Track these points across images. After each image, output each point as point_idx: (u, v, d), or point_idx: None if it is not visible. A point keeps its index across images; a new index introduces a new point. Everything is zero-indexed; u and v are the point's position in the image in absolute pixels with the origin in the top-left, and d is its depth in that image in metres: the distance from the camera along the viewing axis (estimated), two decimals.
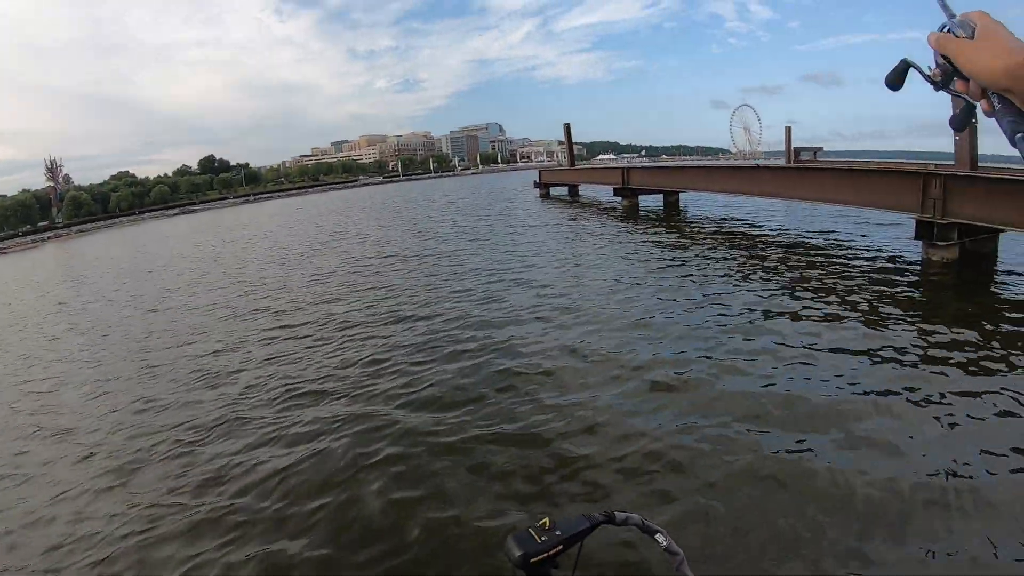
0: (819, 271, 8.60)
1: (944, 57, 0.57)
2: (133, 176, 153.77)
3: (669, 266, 9.38)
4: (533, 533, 0.83)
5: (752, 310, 6.85)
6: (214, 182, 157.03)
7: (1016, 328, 5.73)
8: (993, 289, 7.49)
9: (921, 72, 0.60)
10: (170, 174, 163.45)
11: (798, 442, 3.87)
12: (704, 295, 7.79)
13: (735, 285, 8.12)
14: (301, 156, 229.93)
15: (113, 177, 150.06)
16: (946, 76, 0.58)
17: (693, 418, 4.30)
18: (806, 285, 7.83)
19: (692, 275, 8.84)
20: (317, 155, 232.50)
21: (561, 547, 0.81)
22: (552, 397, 4.89)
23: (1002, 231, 8.76)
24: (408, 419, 4.73)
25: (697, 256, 10.13)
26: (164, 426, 5.27)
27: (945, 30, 0.58)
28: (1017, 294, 7.02)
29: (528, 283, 8.84)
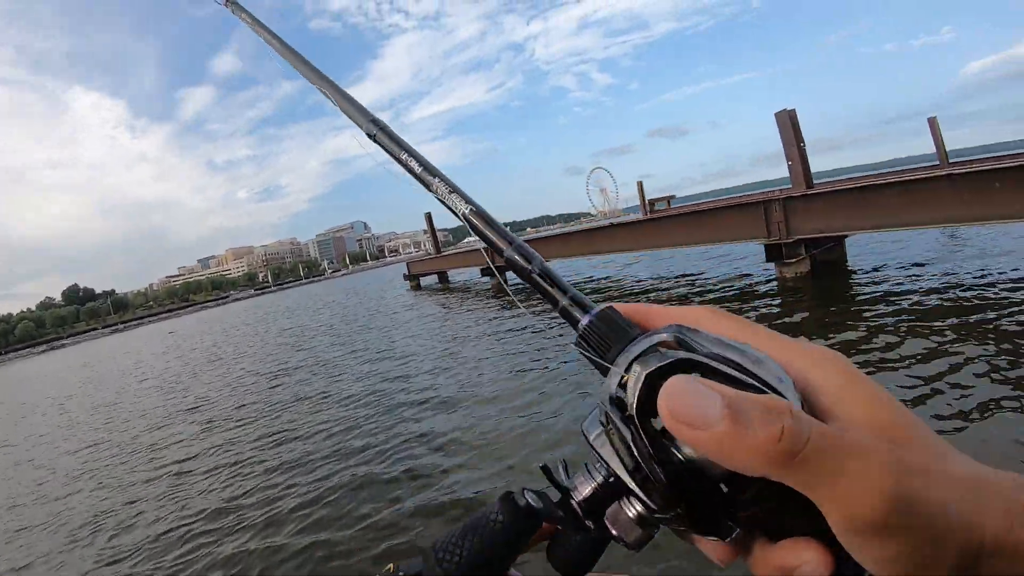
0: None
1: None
2: None
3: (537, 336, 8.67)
4: None
5: None
6: (80, 313, 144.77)
7: (876, 321, 6.02)
8: (848, 292, 7.91)
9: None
10: (34, 308, 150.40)
11: None
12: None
13: None
14: (168, 276, 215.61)
15: None
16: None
17: None
18: None
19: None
20: (184, 274, 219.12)
21: None
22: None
23: (845, 237, 9.34)
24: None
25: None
26: None
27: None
28: (869, 292, 7.50)
29: (407, 384, 7.61)
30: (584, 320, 0.36)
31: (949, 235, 11.02)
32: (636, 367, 0.30)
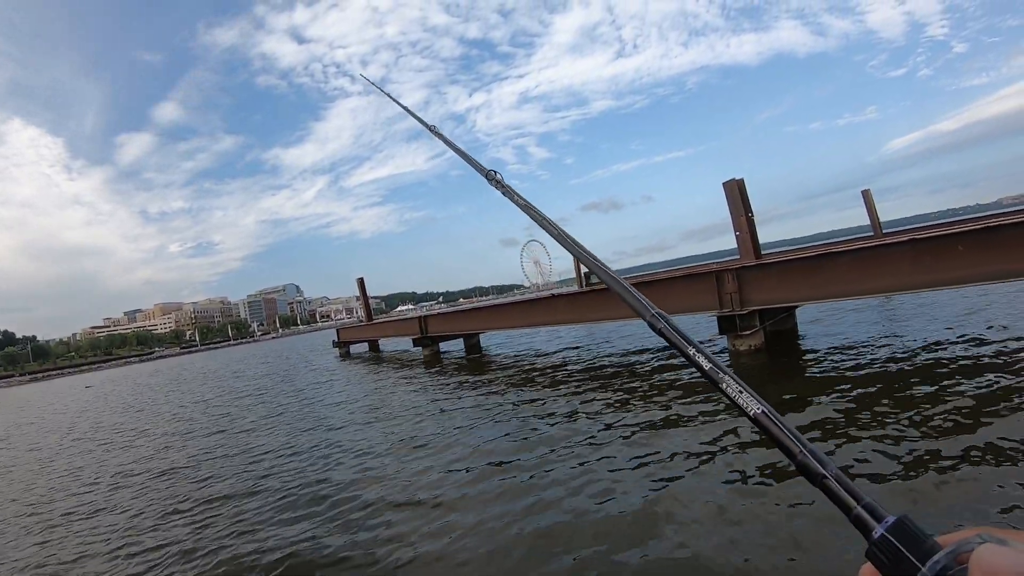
0: (631, 384, 7.66)
1: None
2: None
3: (480, 407, 7.50)
4: None
5: (578, 430, 5.45)
6: None
7: (839, 399, 5.51)
8: (803, 365, 7.44)
9: None
10: None
11: None
12: (522, 423, 6.66)
13: (550, 412, 6.49)
14: (93, 327, 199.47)
15: None
16: None
17: None
18: (621, 398, 7.00)
19: (503, 409, 7.33)
20: (110, 325, 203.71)
21: None
22: None
23: (797, 307, 8.85)
24: None
25: (506, 391, 8.74)
26: None
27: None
28: (825, 365, 7.13)
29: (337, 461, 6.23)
30: (877, 532, 0.36)
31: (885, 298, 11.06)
32: None
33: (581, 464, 4.71)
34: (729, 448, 4.54)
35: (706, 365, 0.52)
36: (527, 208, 1.03)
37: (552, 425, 6.17)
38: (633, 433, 5.38)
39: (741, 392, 0.49)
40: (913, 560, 0.32)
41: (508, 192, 1.11)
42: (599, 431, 5.63)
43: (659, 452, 4.72)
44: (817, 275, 7.56)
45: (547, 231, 0.88)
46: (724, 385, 0.50)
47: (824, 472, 0.41)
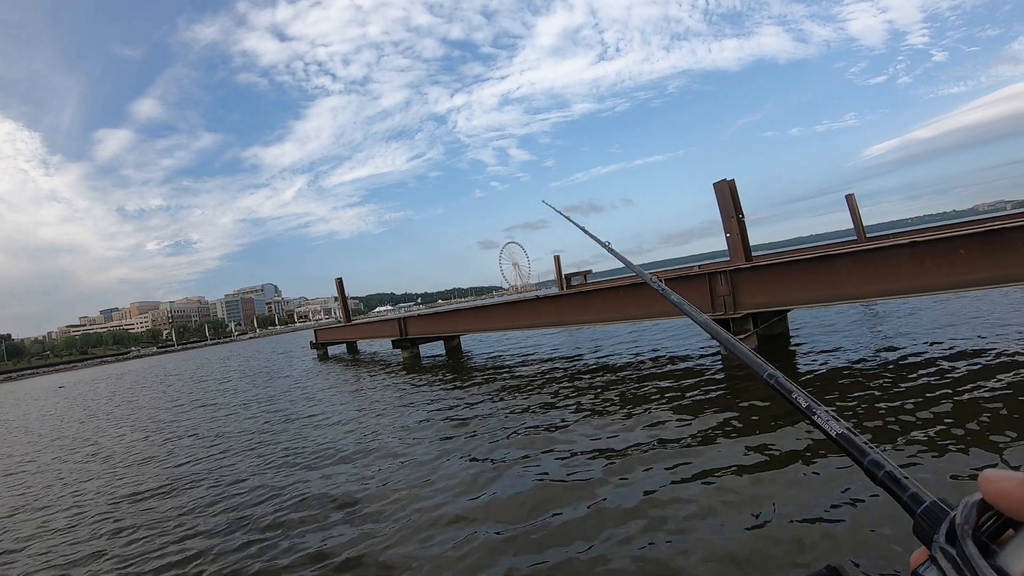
0: (623, 388, 7.32)
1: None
2: None
3: (457, 418, 6.88)
4: None
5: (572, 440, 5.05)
6: None
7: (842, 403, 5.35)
8: (798, 371, 7.05)
9: None
10: None
11: None
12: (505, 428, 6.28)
13: (537, 417, 6.02)
14: (68, 326, 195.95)
15: None
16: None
17: None
18: (615, 405, 6.42)
19: (484, 415, 6.84)
20: (86, 324, 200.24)
21: None
22: None
23: (789, 310, 8.54)
24: None
25: (487, 395, 8.24)
26: None
27: None
28: (817, 369, 6.90)
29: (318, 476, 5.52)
30: (920, 509, 0.46)
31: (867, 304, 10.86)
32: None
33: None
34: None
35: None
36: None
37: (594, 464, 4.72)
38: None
39: (827, 421, 0.56)
40: (945, 518, 0.42)
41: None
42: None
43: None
44: (813, 278, 7.28)
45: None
46: (816, 417, 0.57)
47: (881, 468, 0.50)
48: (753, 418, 5.28)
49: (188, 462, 7.35)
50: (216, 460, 7.18)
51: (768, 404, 5.59)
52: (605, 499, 3.91)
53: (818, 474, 3.74)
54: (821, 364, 7.10)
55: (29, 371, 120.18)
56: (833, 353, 7.63)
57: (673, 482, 4.00)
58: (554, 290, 12.14)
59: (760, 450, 4.37)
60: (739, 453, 4.38)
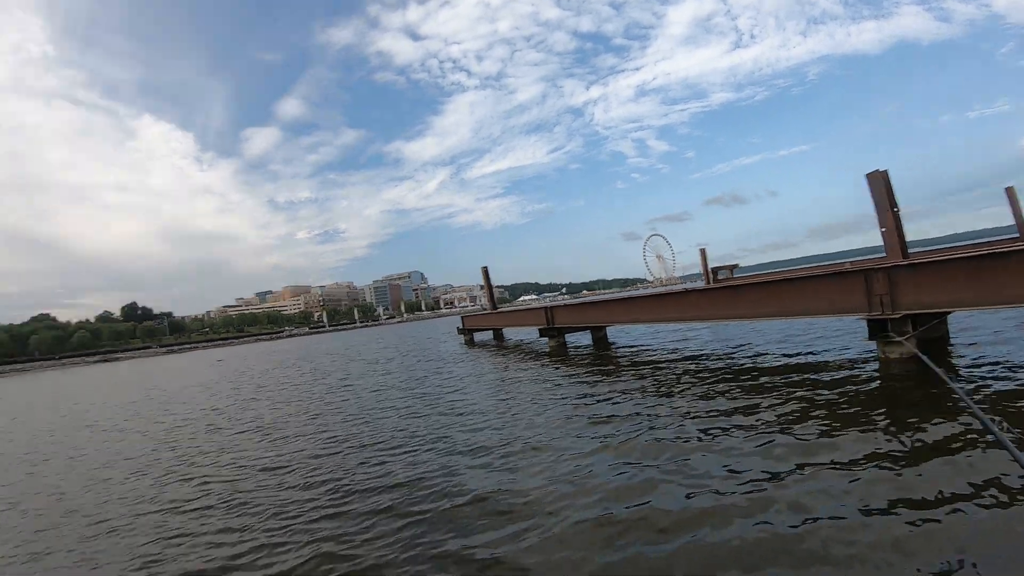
0: (777, 393, 7.08)
1: None
2: (54, 319, 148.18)
3: (618, 414, 7.01)
4: None
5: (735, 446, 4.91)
6: (137, 330, 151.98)
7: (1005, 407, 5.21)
8: (962, 374, 6.85)
9: None
10: (92, 319, 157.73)
11: None
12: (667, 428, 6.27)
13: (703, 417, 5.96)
14: (226, 306, 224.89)
15: (33, 319, 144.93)
16: None
17: None
18: (767, 412, 6.24)
19: (641, 411, 7.01)
20: (242, 305, 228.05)
21: None
22: None
23: (950, 312, 8.37)
24: None
25: (639, 391, 8.40)
26: None
27: None
28: (985, 375, 6.60)
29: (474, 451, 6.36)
30: None
31: None
32: None
33: None
34: None
35: None
36: None
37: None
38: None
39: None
40: None
41: None
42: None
43: None
44: (980, 277, 6.94)
45: None
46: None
47: None
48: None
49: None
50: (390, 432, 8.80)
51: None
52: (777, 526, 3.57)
53: None
54: (993, 376, 6.53)
55: (188, 345, 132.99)
56: (1004, 363, 7.09)
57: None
58: (700, 284, 12.58)
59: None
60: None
